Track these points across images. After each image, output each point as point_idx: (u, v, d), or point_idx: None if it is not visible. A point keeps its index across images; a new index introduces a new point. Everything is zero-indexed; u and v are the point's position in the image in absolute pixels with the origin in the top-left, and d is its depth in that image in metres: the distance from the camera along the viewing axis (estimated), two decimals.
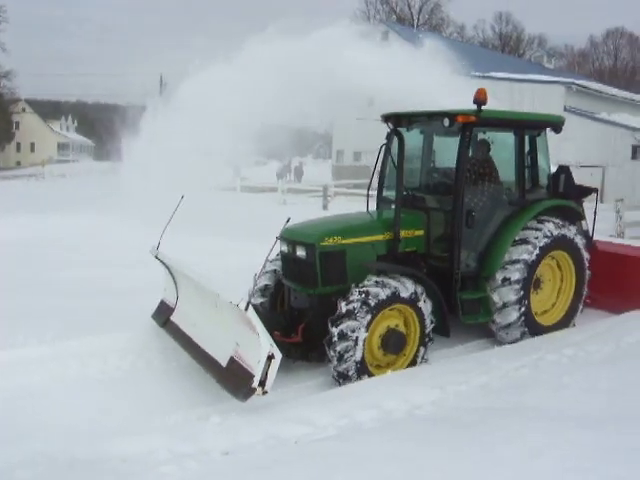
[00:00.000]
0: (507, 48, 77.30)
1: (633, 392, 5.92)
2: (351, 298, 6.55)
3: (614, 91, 38.09)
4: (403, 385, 6.22)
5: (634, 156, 28.65)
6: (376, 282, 6.70)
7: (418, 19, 75.03)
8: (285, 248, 7.35)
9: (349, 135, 41.32)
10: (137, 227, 14.03)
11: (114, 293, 9.89)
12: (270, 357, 5.44)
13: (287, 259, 7.42)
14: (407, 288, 6.82)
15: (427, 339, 7.08)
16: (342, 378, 6.48)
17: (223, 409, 5.91)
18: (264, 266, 6.84)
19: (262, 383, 5.48)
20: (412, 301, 6.86)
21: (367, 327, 6.53)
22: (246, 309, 5.49)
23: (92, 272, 11.46)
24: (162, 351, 7.55)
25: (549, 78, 35.44)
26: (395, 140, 7.93)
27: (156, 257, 7.89)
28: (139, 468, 4.77)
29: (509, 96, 26.62)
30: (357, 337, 6.43)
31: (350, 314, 6.45)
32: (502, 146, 8.41)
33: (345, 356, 6.42)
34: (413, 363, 7.04)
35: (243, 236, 13.60)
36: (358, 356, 6.48)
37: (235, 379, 5.79)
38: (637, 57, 74.44)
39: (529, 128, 8.40)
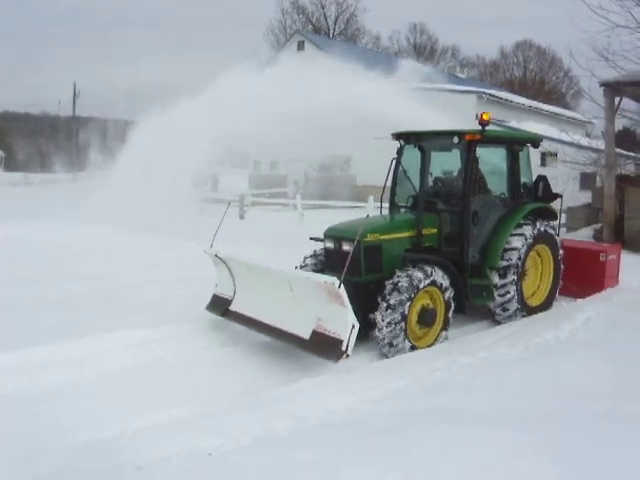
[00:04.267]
0: (421, 58, 78.85)
1: (540, 391, 6.14)
2: (398, 279, 7.82)
3: (522, 100, 39.28)
4: (319, 393, 6.26)
5: (543, 163, 29.59)
6: (417, 268, 8.00)
7: (334, 29, 75.87)
8: (330, 244, 8.60)
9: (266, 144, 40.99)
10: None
11: None
12: (353, 326, 6.65)
13: (332, 253, 8.60)
14: (438, 274, 8.16)
15: (449, 317, 8.41)
16: (390, 343, 7.64)
17: (137, 423, 5.81)
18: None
19: (346, 348, 6.59)
20: (440, 285, 8.19)
21: (411, 301, 7.80)
22: (339, 287, 6.58)
23: None
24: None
25: (461, 87, 36.29)
26: (413, 154, 9.65)
27: (216, 256, 8.77)
28: None
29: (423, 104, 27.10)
30: (403, 310, 7.69)
31: (398, 290, 7.70)
32: (487, 159, 9.82)
33: (393, 324, 7.60)
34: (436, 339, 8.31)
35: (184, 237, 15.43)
36: (402, 325, 7.69)
37: (323, 347, 6.86)
38: (544, 68, 77.08)
39: (517, 144, 9.95)
